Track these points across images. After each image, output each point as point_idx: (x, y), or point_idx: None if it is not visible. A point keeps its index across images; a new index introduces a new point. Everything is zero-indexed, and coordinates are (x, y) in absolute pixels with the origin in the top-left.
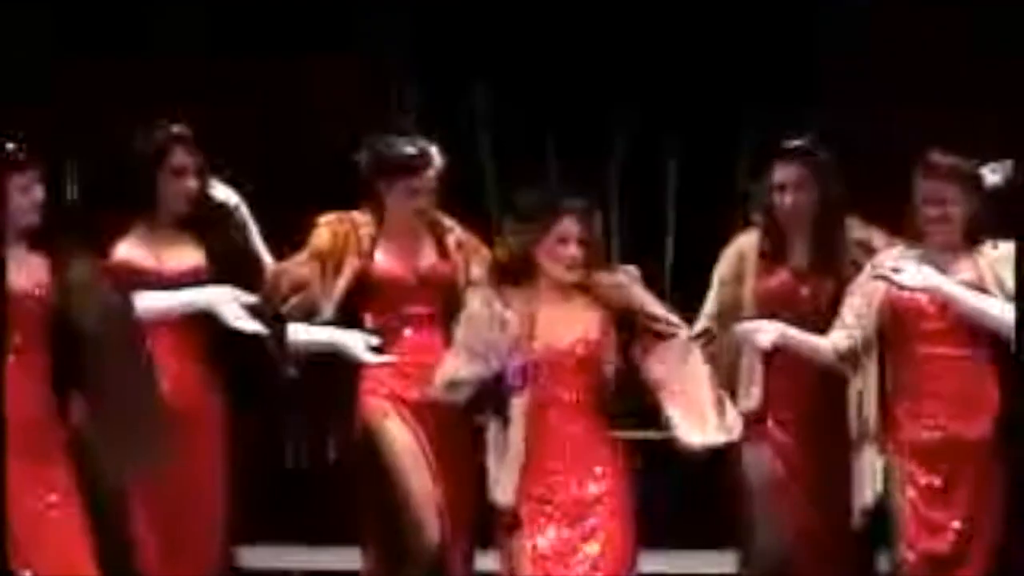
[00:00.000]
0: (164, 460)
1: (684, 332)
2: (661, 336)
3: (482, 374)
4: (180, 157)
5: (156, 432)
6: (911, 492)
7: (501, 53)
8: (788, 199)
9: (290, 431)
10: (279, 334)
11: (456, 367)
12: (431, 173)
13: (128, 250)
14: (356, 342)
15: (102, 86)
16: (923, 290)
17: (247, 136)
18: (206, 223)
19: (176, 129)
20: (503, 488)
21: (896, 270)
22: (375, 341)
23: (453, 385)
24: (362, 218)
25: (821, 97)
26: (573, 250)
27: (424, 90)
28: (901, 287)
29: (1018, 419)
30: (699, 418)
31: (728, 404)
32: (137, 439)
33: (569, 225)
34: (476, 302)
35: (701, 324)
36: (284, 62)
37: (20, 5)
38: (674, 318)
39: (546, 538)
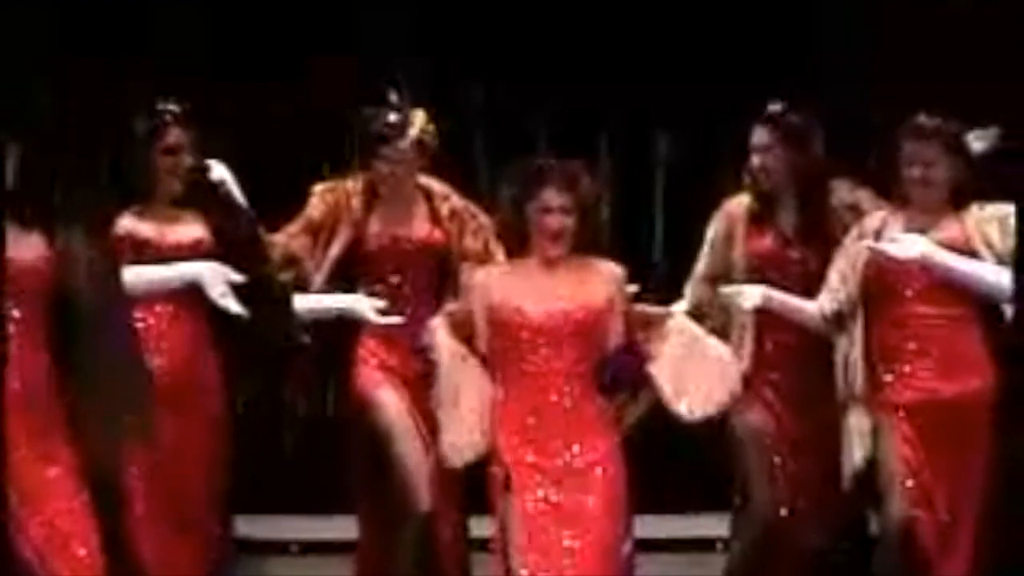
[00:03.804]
0: (151, 430)
1: (676, 315)
2: (652, 321)
3: None
4: (175, 135)
5: (142, 399)
6: (903, 451)
7: (492, 49)
8: (756, 161)
9: (286, 401)
10: (285, 306)
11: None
12: (406, 142)
13: (129, 223)
14: (362, 304)
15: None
16: (917, 260)
17: (245, 136)
18: (204, 197)
19: (170, 107)
20: (450, 443)
21: (890, 240)
22: (380, 304)
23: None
24: (355, 187)
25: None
26: (554, 220)
27: (415, 87)
28: (896, 260)
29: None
30: (686, 395)
31: (723, 372)
32: (122, 407)
33: (550, 195)
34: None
35: (691, 287)
36: (284, 64)
37: (19, 4)
38: (662, 309)
39: (540, 503)
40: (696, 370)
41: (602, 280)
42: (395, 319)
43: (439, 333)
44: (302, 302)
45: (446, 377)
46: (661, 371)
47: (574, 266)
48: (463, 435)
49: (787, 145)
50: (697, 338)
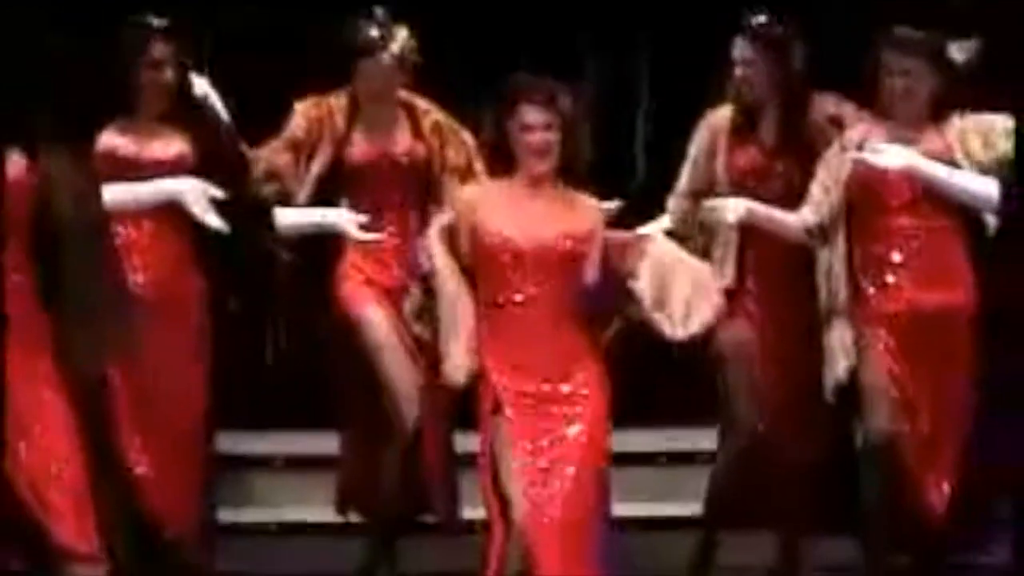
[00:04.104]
0: (133, 348)
1: (655, 235)
2: (631, 244)
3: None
4: (159, 49)
5: (123, 321)
6: (886, 363)
7: None
8: (739, 74)
9: (270, 316)
10: (267, 222)
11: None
12: (386, 56)
13: (110, 139)
14: (344, 220)
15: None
16: (902, 171)
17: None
18: (188, 114)
19: (154, 21)
20: (456, 366)
21: (874, 151)
22: (363, 219)
23: (412, 320)
24: (338, 103)
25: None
26: (537, 137)
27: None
28: (880, 170)
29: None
30: (669, 312)
31: (705, 290)
32: (105, 324)
33: (529, 112)
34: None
35: (674, 202)
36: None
37: None
38: (641, 232)
39: (529, 428)
40: (678, 290)
41: (586, 215)
42: (376, 235)
43: (437, 254)
44: (283, 216)
45: (448, 299)
46: (643, 292)
47: (559, 196)
48: (463, 354)
49: (768, 58)
50: (678, 258)
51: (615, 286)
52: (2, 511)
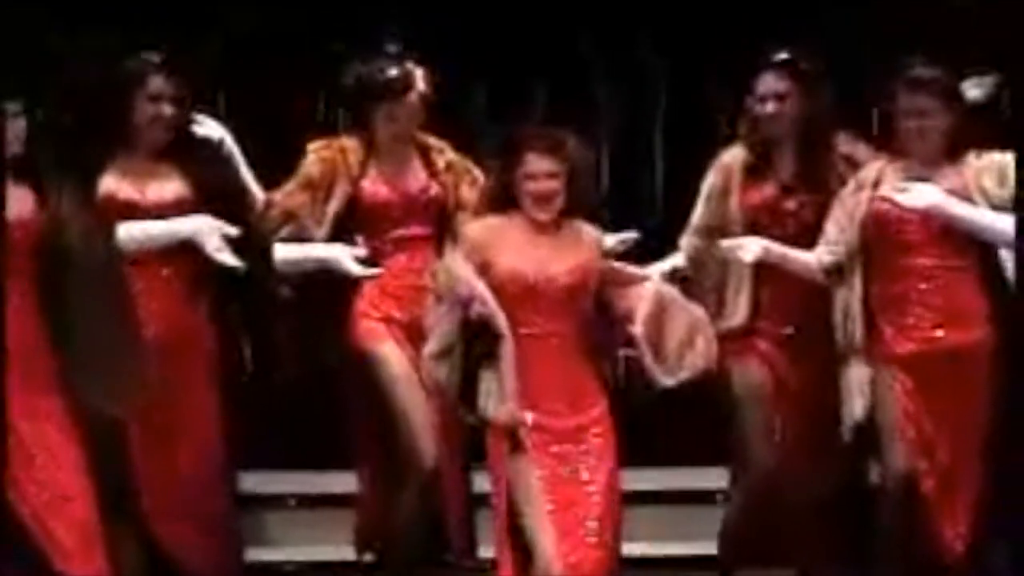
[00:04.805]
0: (145, 391)
1: (653, 278)
2: (629, 280)
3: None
4: (157, 84)
5: (135, 362)
6: (903, 402)
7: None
8: (770, 110)
9: (283, 355)
10: (266, 265)
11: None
12: (413, 97)
13: (110, 182)
14: (343, 256)
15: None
16: (926, 210)
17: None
18: (189, 153)
19: (153, 56)
20: (495, 401)
21: (900, 189)
22: (362, 252)
23: (434, 361)
24: (351, 143)
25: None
26: (541, 186)
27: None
28: (905, 209)
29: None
30: (663, 357)
31: (699, 336)
32: (116, 369)
33: (534, 161)
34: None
35: (687, 239)
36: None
37: None
38: (641, 271)
39: (547, 461)
40: (672, 335)
41: (586, 245)
42: (376, 270)
43: (490, 298)
44: (283, 254)
45: (507, 341)
46: (639, 335)
47: (562, 229)
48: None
49: (802, 92)
50: (675, 302)
51: (612, 324)
52: (4, 538)
